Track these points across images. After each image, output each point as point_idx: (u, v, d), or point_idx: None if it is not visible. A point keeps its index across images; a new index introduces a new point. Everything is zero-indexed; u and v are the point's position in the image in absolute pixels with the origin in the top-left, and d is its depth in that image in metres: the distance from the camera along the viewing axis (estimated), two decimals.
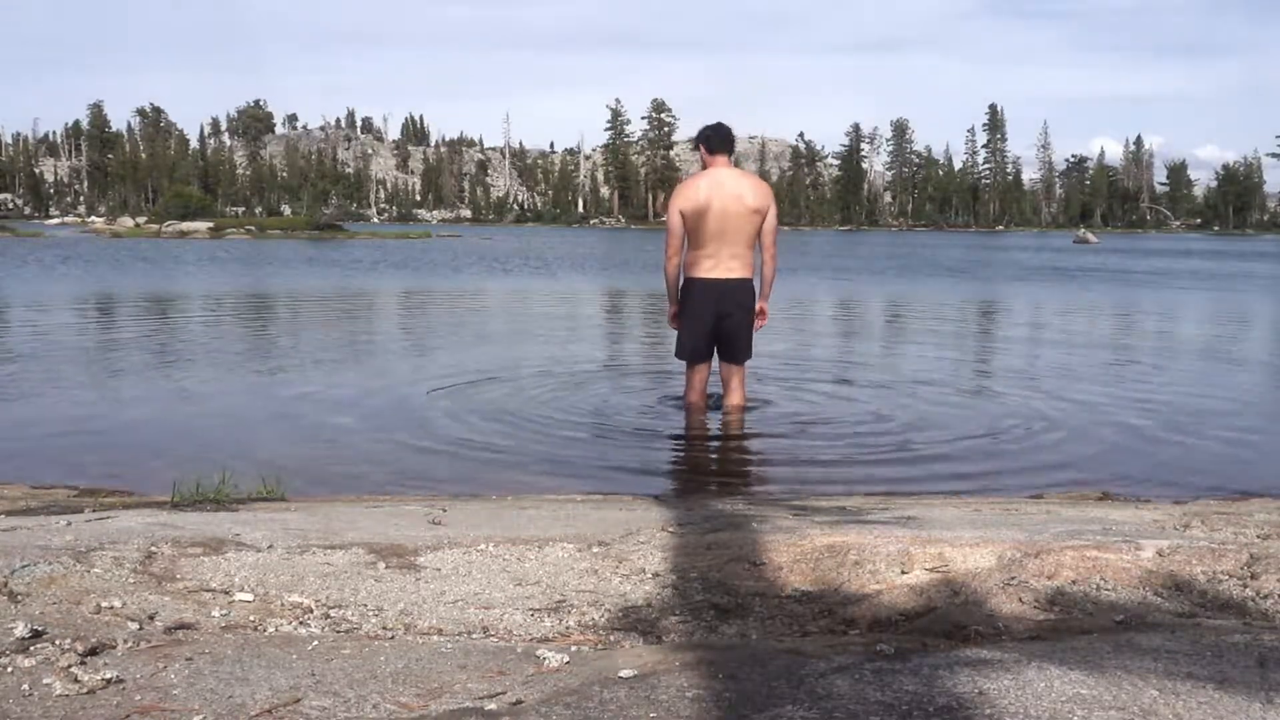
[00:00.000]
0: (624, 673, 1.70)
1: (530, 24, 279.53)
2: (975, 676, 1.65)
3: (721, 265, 5.31)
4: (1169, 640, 1.85)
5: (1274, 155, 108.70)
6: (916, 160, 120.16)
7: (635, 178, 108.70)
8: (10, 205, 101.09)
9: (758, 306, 5.46)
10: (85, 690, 1.64)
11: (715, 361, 5.60)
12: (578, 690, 1.64)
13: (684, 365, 5.64)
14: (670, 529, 2.85)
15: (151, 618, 2.04)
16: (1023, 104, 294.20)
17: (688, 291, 5.46)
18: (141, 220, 58.58)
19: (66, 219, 78.35)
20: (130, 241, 39.93)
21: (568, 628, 2.11)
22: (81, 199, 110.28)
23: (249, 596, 2.20)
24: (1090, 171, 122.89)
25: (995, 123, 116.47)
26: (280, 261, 25.92)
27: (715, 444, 5.26)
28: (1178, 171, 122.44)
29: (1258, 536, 2.75)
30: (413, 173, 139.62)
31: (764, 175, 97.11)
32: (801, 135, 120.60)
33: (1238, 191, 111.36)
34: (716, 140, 5.37)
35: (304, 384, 6.79)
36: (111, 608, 2.06)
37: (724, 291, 5.34)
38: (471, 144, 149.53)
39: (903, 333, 11.69)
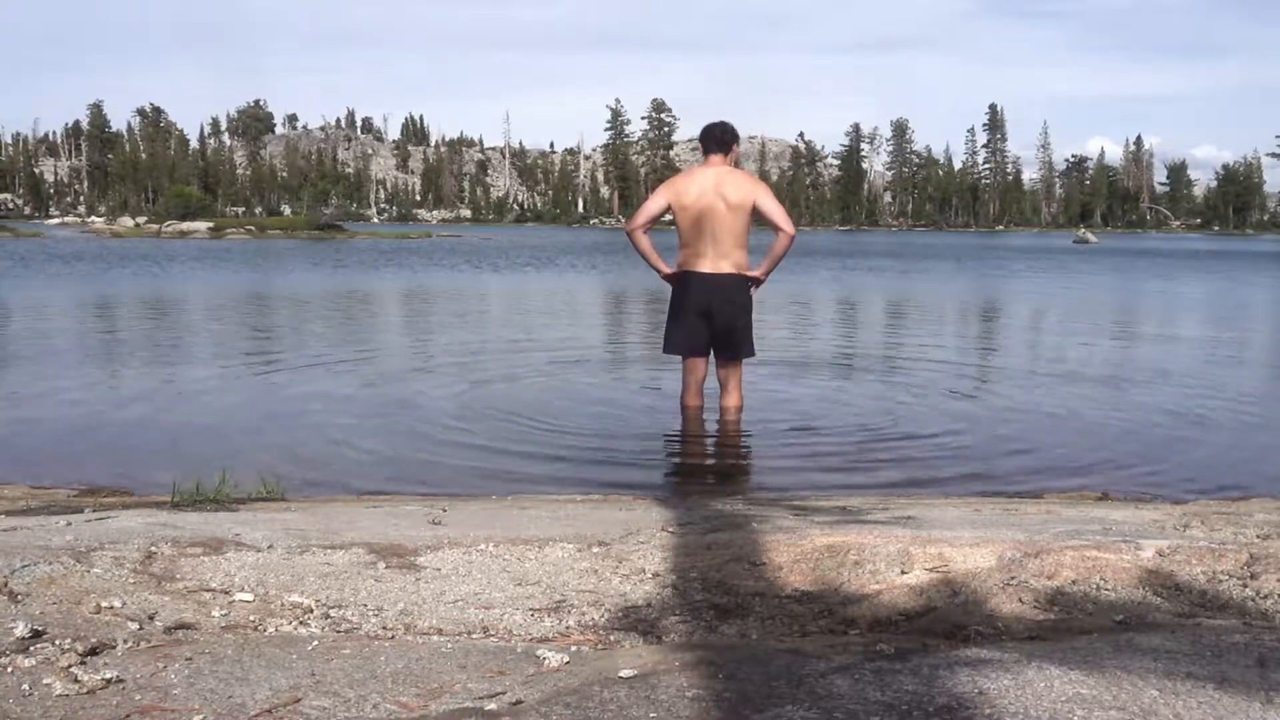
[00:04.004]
0: (624, 673, 1.70)
1: (530, 24, 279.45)
2: (975, 676, 1.65)
3: (711, 263, 5.32)
4: (1169, 640, 1.85)
5: (1274, 155, 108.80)
6: (916, 160, 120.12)
7: (635, 178, 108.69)
8: (10, 205, 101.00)
9: (756, 273, 5.44)
10: (85, 690, 1.64)
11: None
12: (578, 690, 1.64)
13: (680, 363, 5.64)
14: (670, 529, 2.85)
15: (151, 618, 2.04)
16: (1023, 104, 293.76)
17: (680, 284, 5.46)
18: (141, 220, 58.58)
19: (66, 219, 78.25)
20: (130, 241, 39.93)
21: (568, 628, 2.11)
22: (81, 199, 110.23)
23: (249, 596, 2.20)
24: (1090, 171, 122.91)
25: (995, 123, 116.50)
26: (280, 261, 25.92)
27: (714, 444, 5.26)
28: (1178, 171, 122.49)
29: (1257, 536, 2.75)
30: (413, 173, 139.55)
31: (764, 175, 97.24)
32: (801, 135, 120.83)
33: (1238, 191, 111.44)
34: (710, 140, 5.40)
35: (304, 383, 6.79)
36: (111, 608, 2.06)
37: (715, 285, 5.33)
38: (471, 144, 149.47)
39: (902, 331, 11.69)
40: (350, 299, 15.21)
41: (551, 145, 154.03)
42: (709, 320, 5.36)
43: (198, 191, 74.66)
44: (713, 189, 5.25)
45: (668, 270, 5.49)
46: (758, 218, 5.34)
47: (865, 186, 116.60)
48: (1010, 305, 16.27)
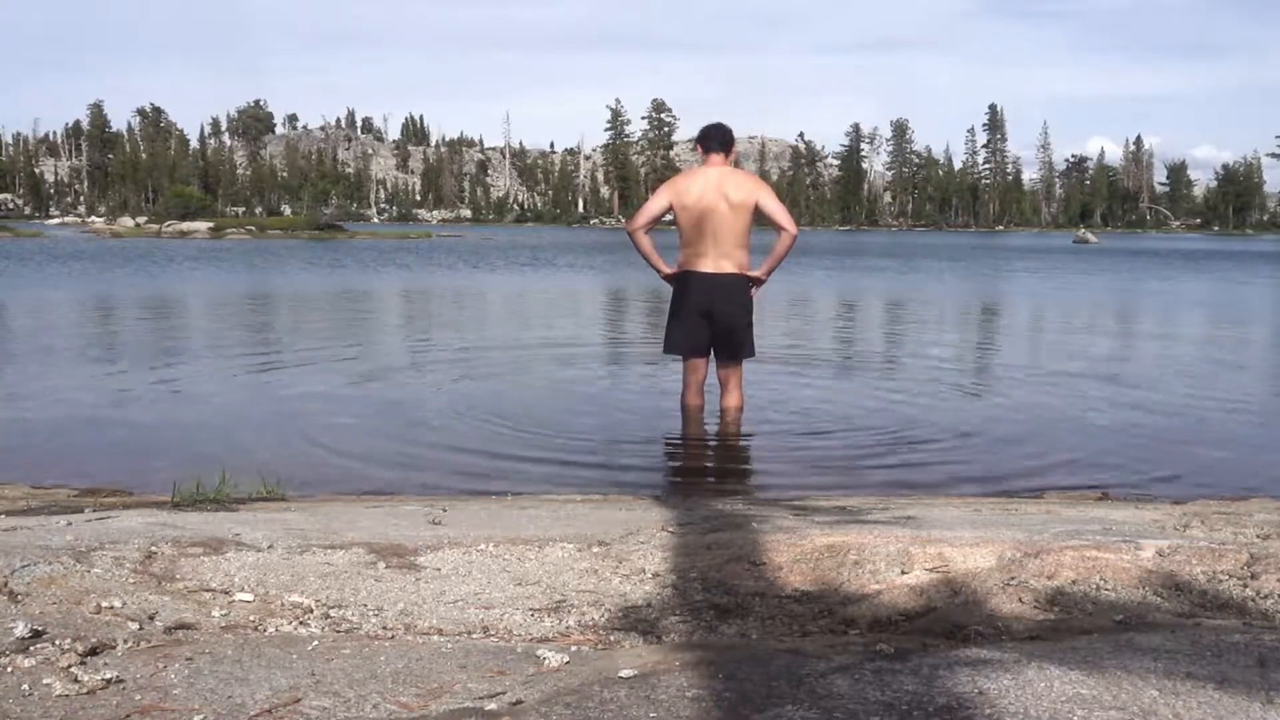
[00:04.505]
0: (624, 673, 1.70)
1: (530, 24, 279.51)
2: (975, 676, 1.65)
3: (713, 262, 5.32)
4: (1169, 640, 1.85)
5: (1274, 155, 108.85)
6: (916, 160, 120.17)
7: (635, 178, 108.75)
8: (10, 205, 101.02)
9: (757, 273, 5.43)
10: (85, 690, 1.64)
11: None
12: (578, 690, 1.64)
13: (680, 364, 5.64)
14: (670, 529, 2.85)
15: (151, 618, 2.04)
16: (1023, 104, 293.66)
17: (681, 284, 5.45)
18: (142, 220, 58.63)
19: (67, 219, 78.32)
20: (130, 241, 39.93)
21: (568, 628, 2.11)
22: (82, 199, 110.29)
23: (249, 596, 2.20)
24: (1090, 171, 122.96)
25: (995, 123, 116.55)
26: (280, 262, 25.92)
27: (714, 444, 5.26)
28: (1177, 171, 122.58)
29: (1257, 536, 2.75)
30: (413, 173, 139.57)
31: (764, 175, 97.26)
32: (801, 135, 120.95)
33: (1238, 191, 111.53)
34: (711, 140, 5.38)
35: (304, 383, 6.79)
36: (111, 608, 2.06)
37: (716, 285, 5.32)
38: (471, 144, 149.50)
39: (901, 330, 11.69)
40: (350, 299, 15.21)
41: (551, 145, 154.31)
42: (710, 320, 5.35)
43: (198, 191, 74.67)
44: (715, 188, 5.24)
45: (668, 270, 5.48)
46: (759, 218, 5.34)
47: (865, 186, 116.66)
48: (1009, 305, 16.27)
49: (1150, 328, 12.83)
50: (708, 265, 5.31)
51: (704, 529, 2.84)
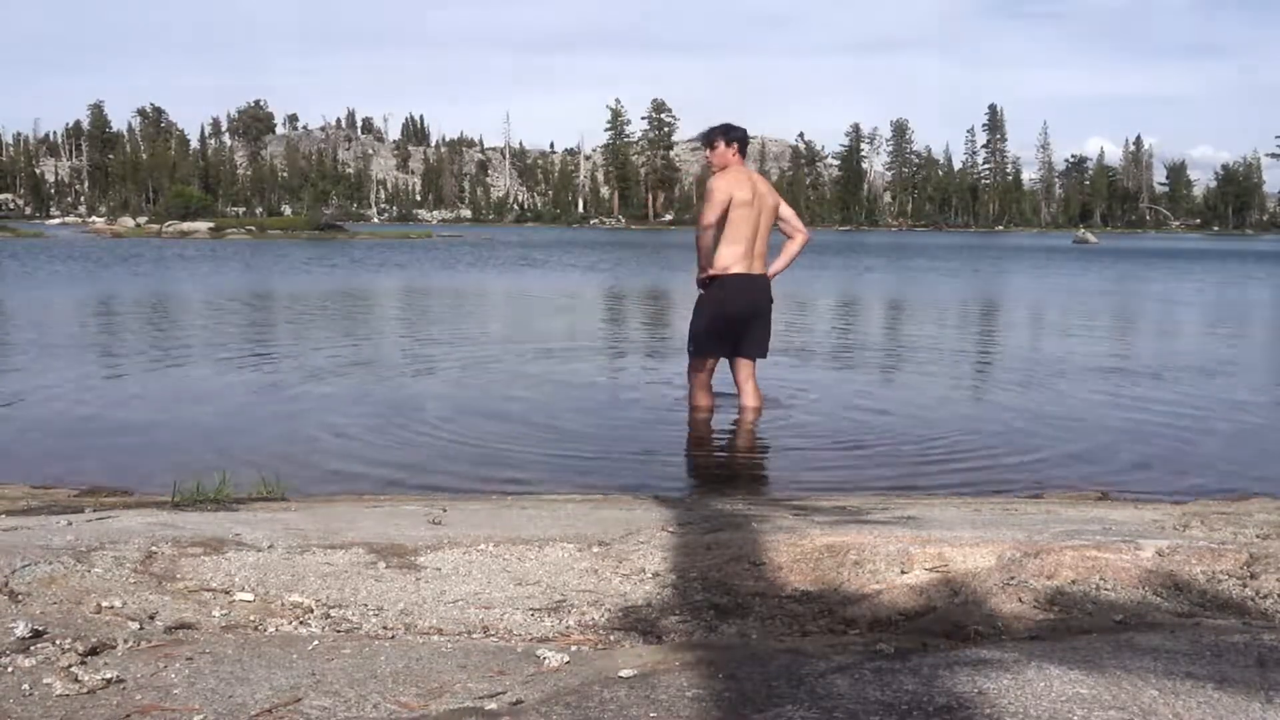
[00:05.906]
0: (624, 672, 1.70)
1: (530, 24, 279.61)
2: (975, 676, 1.65)
3: (755, 263, 5.44)
4: (1168, 640, 1.85)
5: (1273, 155, 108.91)
6: (916, 160, 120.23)
7: (635, 178, 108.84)
8: (11, 205, 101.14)
9: (768, 274, 5.59)
10: (85, 690, 1.64)
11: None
12: (578, 690, 1.64)
13: (686, 363, 5.64)
14: (670, 529, 2.85)
15: (152, 617, 2.04)
16: (1022, 104, 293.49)
17: (721, 287, 5.42)
18: (142, 220, 58.61)
19: (67, 219, 78.48)
20: (131, 241, 39.95)
21: (568, 627, 2.11)
22: (82, 199, 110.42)
23: (249, 596, 2.21)
24: (1090, 172, 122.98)
25: (995, 123, 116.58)
26: (280, 261, 25.92)
27: (715, 444, 5.26)
28: (1177, 172, 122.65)
29: (1257, 536, 2.75)
30: (413, 173, 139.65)
31: (764, 175, 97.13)
32: (801, 135, 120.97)
33: (1237, 192, 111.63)
34: (739, 142, 5.49)
35: (304, 383, 6.79)
36: (112, 607, 2.06)
37: (757, 287, 5.47)
38: (471, 144, 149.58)
39: (900, 331, 11.69)
40: (351, 299, 15.21)
41: (551, 145, 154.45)
42: (748, 322, 5.44)
43: (198, 191, 74.59)
44: (763, 190, 5.42)
45: (712, 272, 5.42)
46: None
47: (865, 186, 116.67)
48: (1009, 305, 16.27)
49: (1150, 327, 12.83)
50: (748, 266, 5.44)
51: (704, 529, 2.84)
